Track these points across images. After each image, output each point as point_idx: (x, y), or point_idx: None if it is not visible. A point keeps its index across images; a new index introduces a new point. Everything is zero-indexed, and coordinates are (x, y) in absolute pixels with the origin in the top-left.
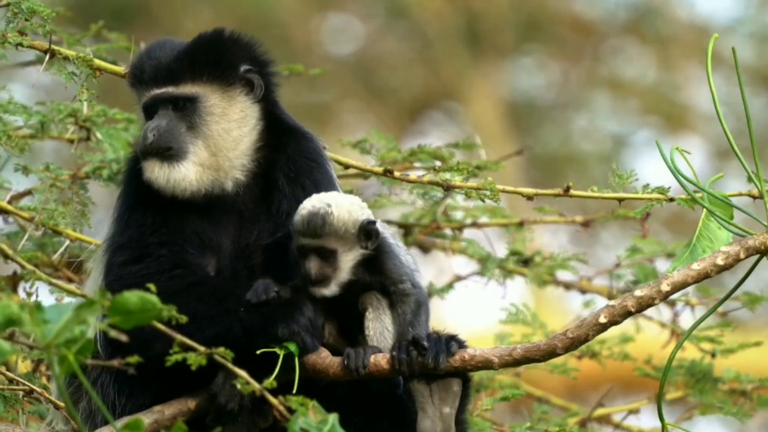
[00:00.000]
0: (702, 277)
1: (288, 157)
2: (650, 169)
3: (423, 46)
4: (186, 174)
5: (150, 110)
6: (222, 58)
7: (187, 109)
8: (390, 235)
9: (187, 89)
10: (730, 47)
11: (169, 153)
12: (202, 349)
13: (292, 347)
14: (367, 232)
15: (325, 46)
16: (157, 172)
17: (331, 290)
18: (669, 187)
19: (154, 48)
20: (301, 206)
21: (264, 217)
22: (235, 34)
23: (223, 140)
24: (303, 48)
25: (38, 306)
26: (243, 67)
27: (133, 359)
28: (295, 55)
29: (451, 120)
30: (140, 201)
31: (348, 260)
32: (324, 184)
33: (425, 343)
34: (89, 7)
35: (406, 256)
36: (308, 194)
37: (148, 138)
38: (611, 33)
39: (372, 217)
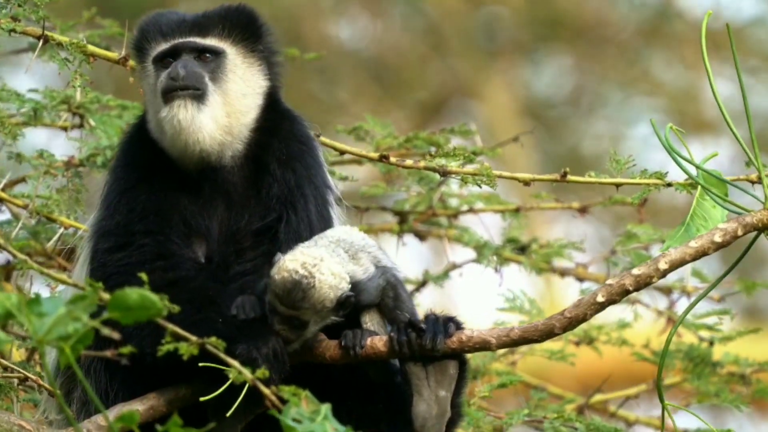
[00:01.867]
0: (700, 255)
1: (280, 140)
2: (672, 170)
3: (439, 43)
4: (205, 123)
5: (167, 58)
6: (250, 24)
7: (211, 61)
8: (342, 236)
9: (215, 42)
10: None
11: (196, 92)
12: (194, 338)
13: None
14: (343, 304)
15: (338, 43)
16: (183, 111)
17: (297, 346)
18: (667, 172)
19: (168, 11)
20: (285, 262)
21: (254, 201)
22: (259, 12)
23: (239, 103)
24: (316, 44)
25: (36, 298)
26: (265, 41)
27: (126, 349)
28: (308, 51)
29: (466, 118)
30: (132, 185)
31: (318, 325)
32: (315, 168)
33: (422, 325)
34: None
35: (365, 242)
36: (299, 178)
37: (180, 73)
38: (630, 31)
39: (355, 276)
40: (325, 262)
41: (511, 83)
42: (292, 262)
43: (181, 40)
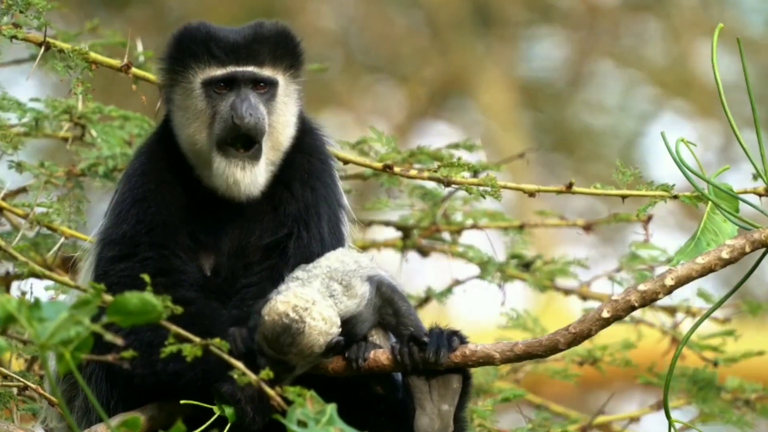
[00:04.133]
0: (707, 271)
1: (303, 156)
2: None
3: (433, 33)
4: (259, 176)
5: (221, 86)
6: (297, 51)
7: (266, 93)
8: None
9: (270, 72)
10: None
11: (255, 149)
12: (197, 340)
13: (228, 411)
14: (333, 348)
15: (333, 35)
16: (241, 173)
17: (287, 383)
18: (673, 185)
19: (210, 26)
20: (276, 303)
21: (268, 217)
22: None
23: (282, 134)
24: (310, 36)
25: (36, 303)
26: (305, 66)
27: (128, 354)
28: (302, 43)
29: (463, 108)
30: (145, 195)
31: (306, 368)
32: (332, 187)
33: (425, 339)
34: None
35: (357, 264)
36: (316, 197)
37: (245, 117)
38: (628, 12)
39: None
40: (317, 305)
41: (507, 67)
42: (283, 304)
43: (238, 69)
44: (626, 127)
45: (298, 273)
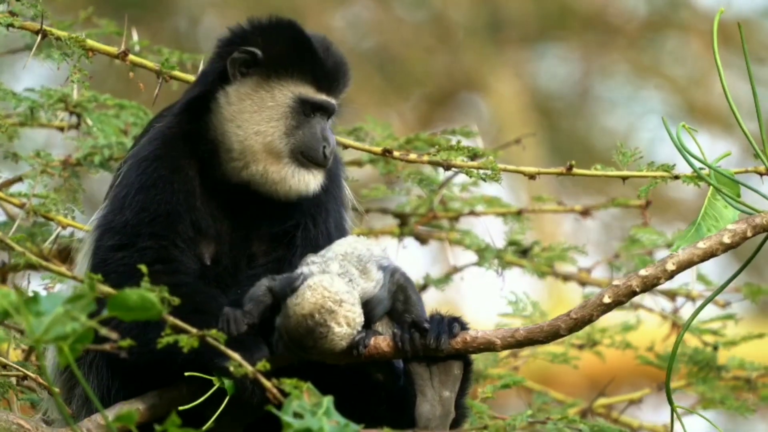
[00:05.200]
0: (708, 256)
1: None
2: (681, 164)
3: (444, 35)
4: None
5: (309, 109)
6: (349, 84)
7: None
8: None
9: (338, 104)
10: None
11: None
12: (194, 331)
13: (228, 383)
14: (354, 346)
15: (342, 36)
16: (314, 180)
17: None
18: (674, 165)
19: (313, 41)
20: (303, 299)
21: (272, 207)
22: None
23: None
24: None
25: (34, 296)
26: None
27: (125, 343)
28: None
29: (472, 110)
30: (153, 183)
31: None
32: (337, 182)
33: (426, 325)
34: None
35: (370, 251)
36: (327, 195)
37: (331, 147)
38: (638, 20)
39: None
40: (344, 306)
41: (519, 75)
42: (309, 304)
43: (331, 101)
44: (636, 142)
45: (313, 258)
